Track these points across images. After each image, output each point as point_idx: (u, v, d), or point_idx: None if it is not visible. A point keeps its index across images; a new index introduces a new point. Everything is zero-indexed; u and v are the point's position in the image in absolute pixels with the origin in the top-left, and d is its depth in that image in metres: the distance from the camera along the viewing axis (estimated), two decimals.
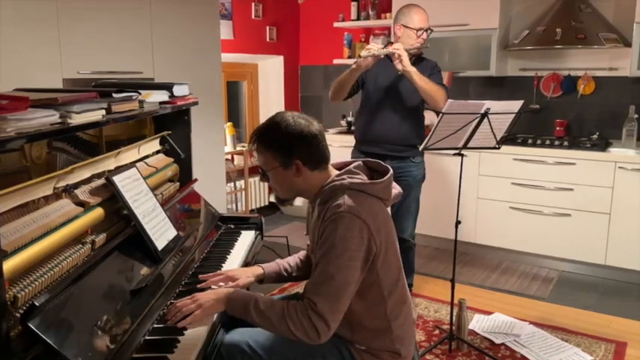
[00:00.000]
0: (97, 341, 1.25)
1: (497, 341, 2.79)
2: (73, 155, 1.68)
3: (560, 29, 3.73)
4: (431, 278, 3.67)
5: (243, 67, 5.12)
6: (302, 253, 1.88)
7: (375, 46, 2.75)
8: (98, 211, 1.57)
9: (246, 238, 2.27)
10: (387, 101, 2.95)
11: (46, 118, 1.33)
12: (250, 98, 5.26)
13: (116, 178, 1.65)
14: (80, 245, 1.47)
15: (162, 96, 2.12)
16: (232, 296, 1.52)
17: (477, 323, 2.97)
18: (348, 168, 1.60)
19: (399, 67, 2.73)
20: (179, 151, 2.31)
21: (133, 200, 1.68)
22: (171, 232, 1.82)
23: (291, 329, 1.43)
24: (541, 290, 3.50)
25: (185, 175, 2.35)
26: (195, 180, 2.39)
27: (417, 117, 2.99)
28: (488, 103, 2.45)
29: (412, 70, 2.73)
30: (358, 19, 4.80)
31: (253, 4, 4.74)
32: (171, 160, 2.27)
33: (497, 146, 2.64)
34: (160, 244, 1.72)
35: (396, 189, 1.68)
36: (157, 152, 2.22)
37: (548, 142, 3.85)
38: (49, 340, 1.12)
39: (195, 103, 2.32)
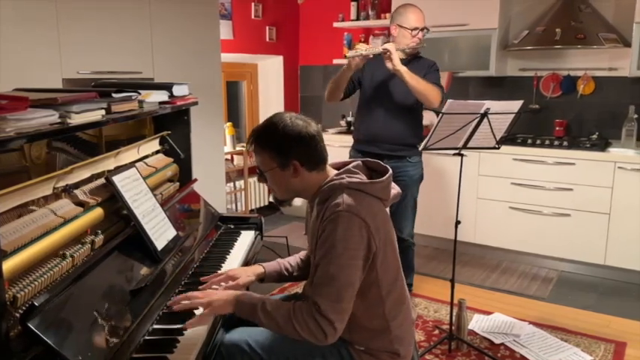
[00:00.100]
0: (96, 341, 1.25)
1: (497, 341, 2.79)
2: (73, 155, 1.68)
3: (559, 29, 3.73)
4: (430, 278, 3.67)
5: (242, 67, 5.12)
6: (303, 253, 1.88)
7: (364, 46, 2.77)
8: (98, 211, 1.57)
9: (245, 238, 2.27)
10: (382, 101, 2.95)
11: (46, 118, 1.33)
12: (250, 98, 5.26)
13: (116, 178, 1.65)
14: (80, 245, 1.47)
15: (161, 96, 2.12)
16: (241, 298, 1.52)
17: (477, 323, 2.97)
18: (347, 167, 1.60)
19: (390, 66, 2.74)
20: (179, 151, 2.31)
21: (133, 200, 1.68)
22: (171, 232, 1.82)
23: (298, 331, 1.43)
24: (540, 290, 3.50)
25: (185, 175, 2.35)
26: (195, 180, 2.39)
27: (413, 116, 2.99)
28: (487, 103, 2.45)
29: (403, 69, 2.73)
30: (358, 19, 4.80)
31: (253, 4, 4.74)
32: (171, 160, 2.27)
33: (496, 146, 2.64)
34: (160, 244, 1.72)
35: (395, 189, 1.68)
36: (157, 152, 2.22)
37: (547, 142, 3.86)
38: (48, 340, 1.12)
39: (195, 103, 2.32)
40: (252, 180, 4.84)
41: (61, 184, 1.49)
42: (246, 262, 2.04)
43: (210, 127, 3.52)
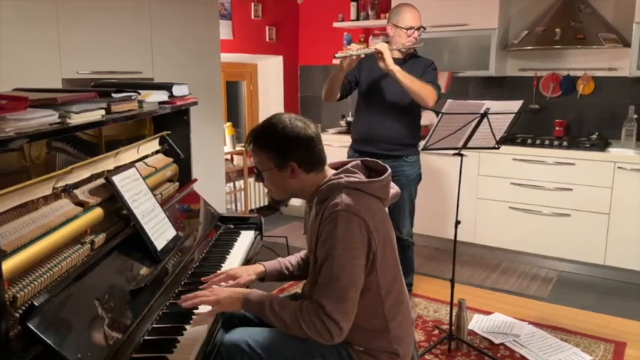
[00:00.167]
0: (96, 341, 1.25)
1: (497, 341, 2.79)
2: (73, 155, 1.68)
3: (559, 29, 3.73)
4: (430, 278, 3.67)
5: (242, 67, 5.12)
6: (303, 252, 1.88)
7: (355, 46, 2.77)
8: (97, 211, 1.57)
9: (245, 238, 2.27)
10: (379, 100, 2.96)
11: (46, 118, 1.33)
12: (250, 98, 5.26)
13: (115, 178, 1.65)
14: (79, 245, 1.47)
15: (161, 96, 2.12)
16: (249, 297, 1.53)
17: (477, 323, 2.97)
18: (345, 167, 1.61)
19: (382, 65, 2.75)
20: (178, 151, 2.31)
21: (133, 200, 1.68)
22: (171, 232, 1.82)
23: (305, 330, 1.44)
24: (540, 290, 3.50)
25: (184, 175, 2.35)
26: (195, 180, 2.39)
27: (410, 116, 2.98)
28: (487, 103, 2.45)
29: (395, 69, 2.74)
30: (357, 19, 4.80)
31: (253, 4, 4.74)
32: (171, 160, 2.27)
33: (496, 146, 2.64)
34: (160, 244, 1.72)
35: (394, 189, 1.68)
36: (157, 152, 2.22)
37: (547, 142, 3.86)
38: (48, 340, 1.12)
39: (195, 103, 2.32)
40: (252, 180, 4.85)
41: (61, 184, 1.49)
42: (246, 262, 2.04)
43: (210, 127, 3.52)
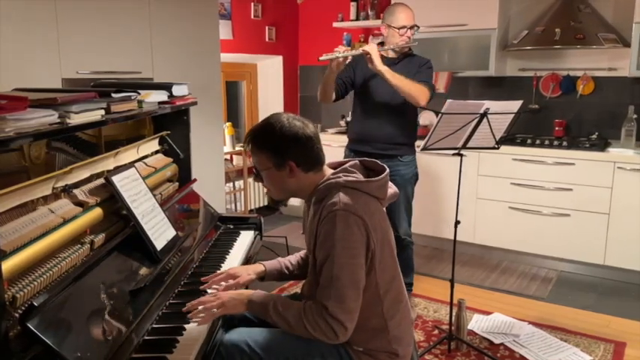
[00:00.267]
0: (95, 341, 1.25)
1: (497, 341, 2.79)
2: (72, 155, 1.68)
3: (559, 29, 3.74)
4: (430, 278, 3.67)
5: (242, 67, 5.12)
6: (304, 252, 1.88)
7: (342, 48, 2.78)
8: (97, 211, 1.57)
9: (245, 238, 2.27)
10: (372, 100, 2.97)
11: (45, 118, 1.33)
12: (249, 98, 5.26)
13: (115, 178, 1.65)
14: (79, 245, 1.47)
15: (161, 96, 2.12)
16: (253, 298, 1.54)
17: (476, 323, 2.97)
18: (343, 167, 1.61)
19: (371, 66, 2.76)
20: (178, 151, 2.31)
21: (132, 200, 1.68)
22: (170, 232, 1.82)
23: (310, 331, 1.44)
24: (540, 290, 3.50)
25: (184, 175, 2.35)
26: (194, 180, 2.39)
27: (404, 116, 2.97)
28: (487, 103, 2.45)
29: (384, 69, 2.75)
30: (357, 19, 4.80)
31: (252, 4, 4.74)
32: (171, 160, 2.27)
33: (496, 146, 2.64)
34: (159, 244, 1.72)
35: (391, 189, 1.69)
36: (156, 152, 2.22)
37: (547, 142, 3.86)
38: (47, 341, 1.12)
39: (195, 103, 2.32)
40: (252, 180, 4.85)
41: (61, 184, 1.49)
42: (246, 262, 2.04)
43: (209, 127, 3.52)
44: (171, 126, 2.29)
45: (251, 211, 4.92)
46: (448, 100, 2.42)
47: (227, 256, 2.05)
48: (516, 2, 4.18)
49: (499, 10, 3.97)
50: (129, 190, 1.69)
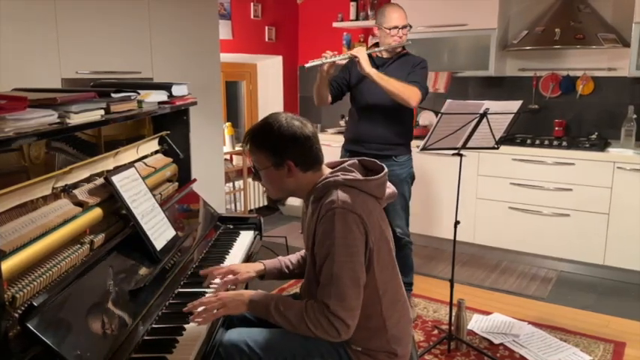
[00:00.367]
0: (95, 341, 1.25)
1: (496, 341, 2.79)
2: (72, 155, 1.68)
3: (559, 29, 3.74)
4: (430, 278, 3.67)
5: (242, 67, 5.12)
6: (304, 251, 1.88)
7: (329, 53, 2.78)
8: (97, 211, 1.57)
9: (244, 238, 2.27)
10: (365, 101, 2.98)
11: (45, 118, 1.32)
12: (249, 98, 5.26)
13: (115, 178, 1.65)
14: (79, 245, 1.47)
15: (161, 96, 2.12)
16: (254, 298, 1.54)
17: (476, 323, 2.97)
18: (342, 166, 1.62)
19: (360, 70, 2.77)
20: (178, 151, 2.31)
21: (132, 200, 1.68)
22: (170, 232, 1.82)
23: (312, 329, 1.45)
24: (540, 290, 3.51)
25: (184, 175, 2.35)
26: (194, 180, 2.39)
27: (398, 116, 2.97)
28: (487, 103, 2.45)
29: (372, 73, 2.76)
30: (357, 19, 4.80)
31: (252, 4, 4.74)
32: (170, 160, 2.27)
33: (496, 146, 2.65)
34: (159, 244, 1.72)
35: (390, 188, 1.69)
36: (156, 152, 2.22)
37: (547, 142, 3.86)
38: (47, 341, 1.12)
39: (194, 103, 2.32)
40: (251, 180, 4.85)
41: (60, 184, 1.49)
42: (246, 262, 2.04)
43: (209, 127, 3.52)
44: (171, 126, 2.29)
45: (251, 211, 4.92)
46: (448, 100, 2.43)
47: (227, 256, 2.05)
48: (516, 2, 4.18)
49: (499, 10, 3.97)
50: (129, 190, 1.69)
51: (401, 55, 2.96)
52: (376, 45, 3.01)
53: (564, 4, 3.85)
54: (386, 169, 1.64)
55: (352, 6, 4.78)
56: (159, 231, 1.75)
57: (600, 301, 3.33)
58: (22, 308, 1.16)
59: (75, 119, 1.45)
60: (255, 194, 5.03)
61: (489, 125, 2.50)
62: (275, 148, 1.55)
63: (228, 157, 4.66)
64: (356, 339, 1.56)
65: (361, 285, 1.48)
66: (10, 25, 2.39)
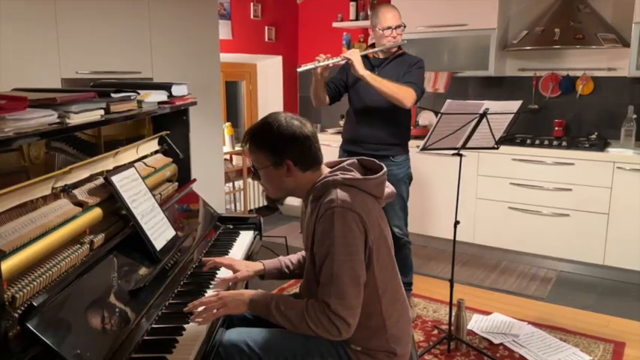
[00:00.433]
0: (95, 341, 1.25)
1: (496, 341, 2.79)
2: (72, 155, 1.68)
3: (558, 29, 3.74)
4: (430, 278, 3.67)
5: (241, 67, 5.12)
6: (304, 252, 1.89)
7: (323, 56, 2.78)
8: (96, 211, 1.57)
9: (244, 238, 2.27)
10: (361, 102, 2.98)
11: (45, 118, 1.32)
12: (249, 98, 5.26)
13: (114, 178, 1.65)
14: (78, 245, 1.47)
15: (160, 96, 2.12)
16: (255, 297, 1.55)
17: (476, 323, 2.98)
18: (341, 165, 1.62)
19: (353, 72, 2.78)
20: (178, 151, 2.31)
21: (132, 200, 1.68)
22: (170, 232, 1.82)
23: (312, 329, 1.45)
24: (540, 290, 3.51)
25: (184, 175, 2.35)
26: (194, 180, 2.39)
27: (395, 116, 2.96)
28: (487, 103, 2.45)
29: (366, 74, 2.76)
30: (357, 19, 4.80)
31: (252, 4, 4.74)
32: (170, 160, 2.27)
33: (495, 146, 2.65)
34: (159, 244, 1.72)
35: (389, 188, 1.69)
36: (156, 152, 2.22)
37: (546, 142, 3.86)
38: (47, 341, 1.12)
39: (194, 103, 2.32)
40: (251, 180, 4.85)
41: (60, 184, 1.49)
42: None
43: (209, 127, 3.52)
44: (171, 126, 2.29)
45: (250, 211, 4.92)
46: (448, 100, 2.43)
47: (227, 256, 2.05)
48: (516, 2, 4.18)
49: (499, 10, 3.97)
50: (128, 190, 1.69)
51: (397, 55, 2.96)
52: (373, 46, 3.01)
53: (564, 4, 3.86)
54: (385, 169, 1.65)
55: (352, 6, 4.78)
56: (159, 231, 1.75)
57: (600, 301, 3.33)
58: (22, 308, 1.16)
59: (75, 119, 1.45)
60: (254, 194, 5.03)
61: (489, 125, 2.50)
62: (274, 147, 1.55)
63: (227, 157, 4.66)
64: (355, 338, 1.56)
65: (361, 284, 1.49)
66: (10, 25, 2.39)
